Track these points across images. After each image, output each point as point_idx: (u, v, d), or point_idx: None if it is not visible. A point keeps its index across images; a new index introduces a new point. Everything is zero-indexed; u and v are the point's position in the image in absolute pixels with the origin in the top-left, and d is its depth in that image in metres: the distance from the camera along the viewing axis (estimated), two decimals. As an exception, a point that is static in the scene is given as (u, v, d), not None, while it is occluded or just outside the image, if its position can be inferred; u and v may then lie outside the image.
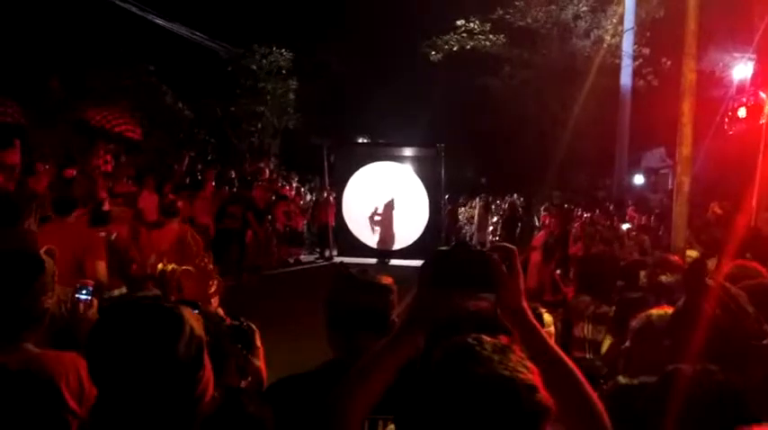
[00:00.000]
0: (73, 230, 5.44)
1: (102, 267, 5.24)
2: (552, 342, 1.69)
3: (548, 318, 2.60)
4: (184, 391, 1.63)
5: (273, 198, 17.22)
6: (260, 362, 3.16)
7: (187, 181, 15.62)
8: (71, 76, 17.19)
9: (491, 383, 1.36)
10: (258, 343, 3.19)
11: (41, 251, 2.92)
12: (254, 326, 3.22)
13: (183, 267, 3.72)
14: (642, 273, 4.79)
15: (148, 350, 1.58)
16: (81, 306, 2.98)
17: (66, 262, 4.13)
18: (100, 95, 17.55)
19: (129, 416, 1.60)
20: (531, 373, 1.40)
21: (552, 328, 2.61)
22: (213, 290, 3.67)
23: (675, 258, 5.00)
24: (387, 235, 19.35)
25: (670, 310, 2.77)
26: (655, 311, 2.86)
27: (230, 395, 1.90)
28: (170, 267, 3.72)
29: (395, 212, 19.31)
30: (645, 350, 2.71)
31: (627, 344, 2.89)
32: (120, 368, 1.59)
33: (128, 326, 1.62)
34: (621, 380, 2.09)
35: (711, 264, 5.63)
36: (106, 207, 7.28)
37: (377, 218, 19.30)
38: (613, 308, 4.13)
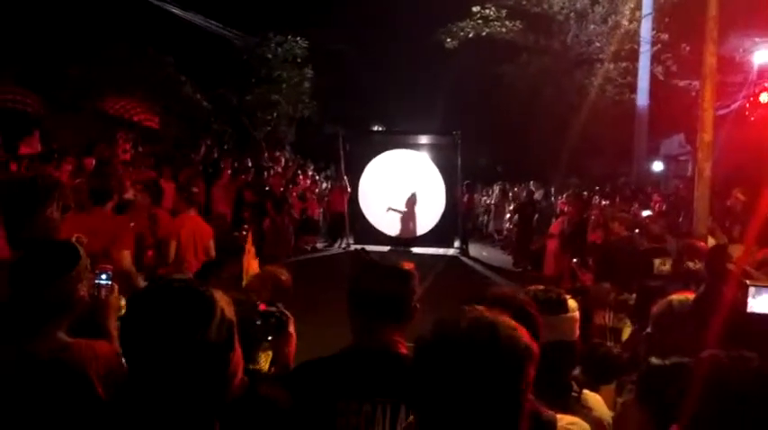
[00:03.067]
0: (102, 219, 5.43)
1: (126, 256, 5.24)
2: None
3: (572, 303, 2.58)
4: (214, 373, 1.64)
5: (289, 186, 17.26)
6: (289, 348, 3.18)
7: (202, 169, 15.66)
8: (90, 65, 17.28)
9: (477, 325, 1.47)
10: (291, 330, 3.20)
11: (72, 240, 2.95)
12: (288, 314, 3.24)
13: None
14: (657, 261, 4.75)
15: (180, 331, 1.60)
16: (102, 291, 3.00)
17: (95, 251, 4.13)
18: (118, 85, 17.64)
19: (159, 396, 1.62)
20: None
21: (577, 314, 2.58)
22: (249, 245, 3.69)
23: (702, 244, 4.95)
24: (406, 223, 19.35)
25: (691, 296, 2.75)
26: (675, 297, 2.85)
27: (249, 379, 1.92)
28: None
29: (412, 200, 19.30)
30: (666, 335, 2.70)
31: (648, 330, 2.87)
32: (151, 348, 1.61)
33: (160, 307, 1.64)
34: (654, 361, 2.07)
35: (737, 251, 5.56)
36: (130, 195, 7.34)
37: (395, 206, 19.29)
38: (634, 295, 4.11)
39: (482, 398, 1.43)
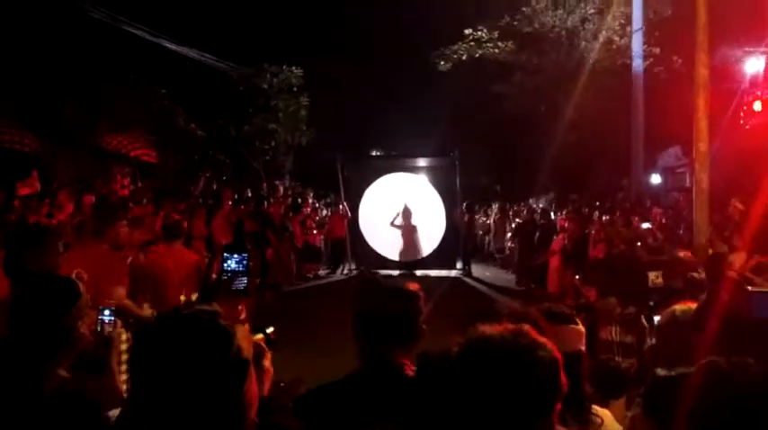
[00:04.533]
0: (98, 255, 5.43)
1: (121, 292, 5.22)
2: None
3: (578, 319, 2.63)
4: (224, 409, 1.60)
5: (290, 214, 17.29)
6: (263, 383, 3.09)
7: (202, 201, 15.71)
8: (85, 102, 17.38)
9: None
10: (267, 364, 3.11)
11: (72, 275, 2.96)
12: (264, 347, 3.16)
13: None
14: (652, 274, 4.75)
15: (193, 364, 1.56)
16: (105, 327, 3.00)
17: (92, 287, 4.16)
18: (114, 121, 17.73)
19: (170, 427, 1.58)
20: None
21: (582, 328, 2.61)
22: (243, 316, 3.60)
23: (687, 255, 4.91)
24: (407, 246, 19.34)
25: (693, 305, 2.75)
26: (678, 307, 2.85)
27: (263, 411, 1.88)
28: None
29: (412, 223, 19.33)
30: (671, 345, 2.69)
31: (653, 341, 2.87)
32: (160, 379, 1.57)
33: (175, 338, 1.60)
34: (660, 372, 2.07)
35: (739, 259, 5.56)
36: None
37: (397, 223, 19.30)
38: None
39: (518, 409, 1.48)
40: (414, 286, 2.53)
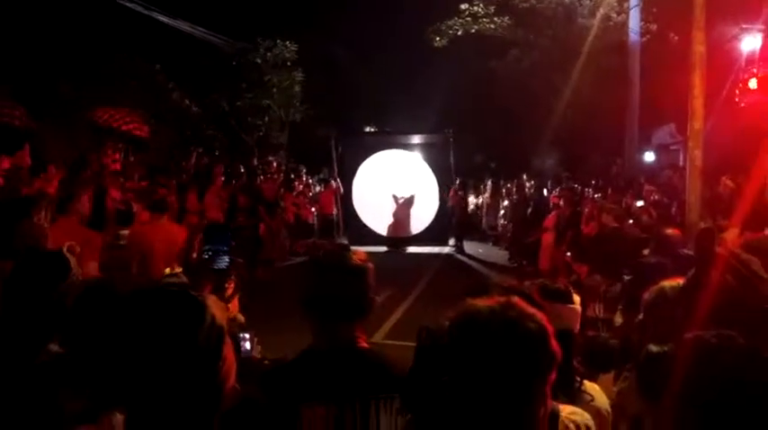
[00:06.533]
0: (70, 229, 5.40)
1: (93, 267, 5.23)
2: None
3: (576, 297, 2.64)
4: (203, 381, 1.59)
5: (282, 190, 17.23)
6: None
7: (195, 176, 15.63)
8: (79, 77, 17.24)
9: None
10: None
11: (64, 248, 2.93)
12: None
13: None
14: (646, 252, 4.74)
15: (166, 335, 1.56)
16: None
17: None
18: (108, 96, 17.60)
19: (145, 403, 1.58)
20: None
21: (579, 307, 2.63)
22: (230, 292, 3.57)
23: (672, 232, 4.87)
24: (400, 223, 19.35)
25: (682, 281, 2.74)
26: (668, 283, 2.84)
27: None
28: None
29: (406, 199, 19.33)
30: (659, 321, 2.69)
31: (640, 316, 2.87)
32: (135, 352, 1.56)
33: (147, 311, 1.60)
34: (652, 348, 2.06)
35: (730, 235, 5.55)
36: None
37: (398, 199, 19.28)
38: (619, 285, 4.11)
39: (510, 381, 1.48)
40: (361, 258, 2.47)
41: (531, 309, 1.57)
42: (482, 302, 1.57)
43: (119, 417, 1.85)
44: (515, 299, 1.60)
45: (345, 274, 2.39)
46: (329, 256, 2.49)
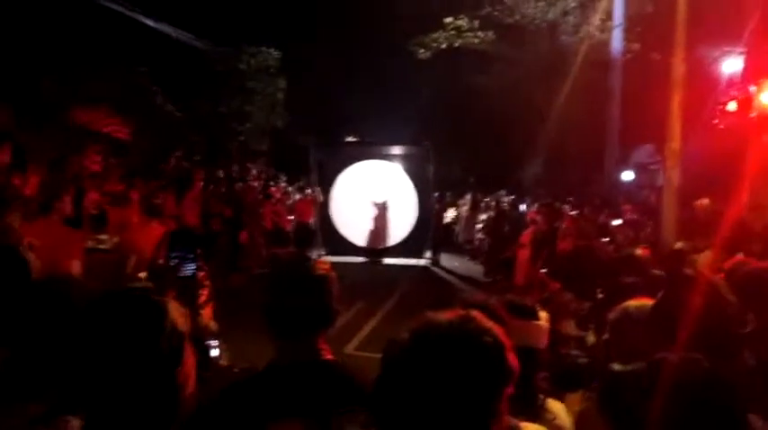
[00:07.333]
0: (52, 229, 5.39)
1: (76, 265, 5.20)
2: None
3: (543, 314, 2.62)
4: (161, 385, 1.59)
5: (261, 197, 17.14)
6: None
7: (174, 180, 15.51)
8: (62, 78, 17.09)
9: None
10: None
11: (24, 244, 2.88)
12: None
13: None
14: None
15: (127, 339, 1.56)
16: None
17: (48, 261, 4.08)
18: (90, 97, 17.46)
19: (104, 406, 1.57)
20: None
21: (547, 324, 2.61)
22: (203, 299, 3.52)
23: (641, 253, 4.83)
24: (377, 234, 19.29)
25: (648, 302, 2.73)
26: (632, 303, 2.85)
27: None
28: None
29: (384, 211, 19.29)
30: (623, 340, 2.68)
31: (605, 336, 2.86)
32: (95, 355, 1.56)
33: (108, 315, 1.60)
34: (615, 367, 2.03)
35: (704, 258, 5.55)
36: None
37: (376, 202, 19.19)
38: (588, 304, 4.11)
39: (464, 395, 1.46)
40: (323, 268, 2.42)
41: (489, 324, 1.55)
42: (441, 315, 1.57)
43: (74, 423, 1.81)
44: (474, 313, 1.58)
45: (306, 284, 2.33)
46: (289, 266, 2.44)
